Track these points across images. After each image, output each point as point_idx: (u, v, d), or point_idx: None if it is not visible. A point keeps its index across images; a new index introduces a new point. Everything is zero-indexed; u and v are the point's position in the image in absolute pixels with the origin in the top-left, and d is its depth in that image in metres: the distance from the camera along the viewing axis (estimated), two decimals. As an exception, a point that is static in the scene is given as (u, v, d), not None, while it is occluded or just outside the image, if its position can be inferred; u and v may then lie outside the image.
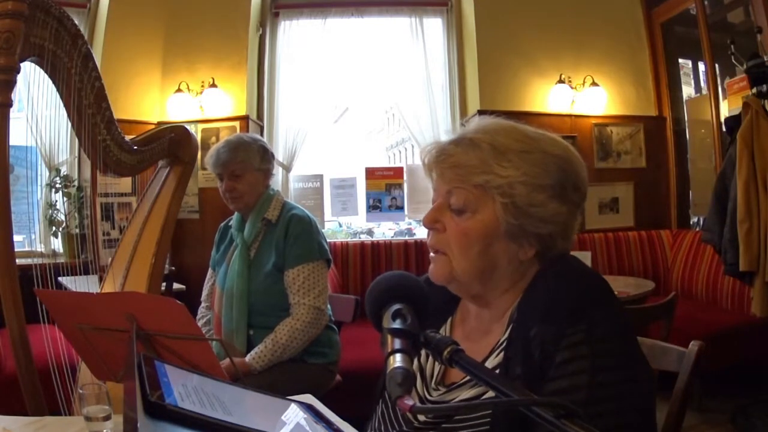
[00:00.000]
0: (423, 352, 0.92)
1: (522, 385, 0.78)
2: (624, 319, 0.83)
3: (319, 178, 4.40)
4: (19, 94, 2.20)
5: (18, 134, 1.91)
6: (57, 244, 3.79)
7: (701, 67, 4.15)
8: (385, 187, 4.33)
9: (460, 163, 0.88)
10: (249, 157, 2.05)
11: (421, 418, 0.91)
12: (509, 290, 0.91)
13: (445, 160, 0.90)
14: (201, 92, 4.07)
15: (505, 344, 0.86)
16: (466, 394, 0.87)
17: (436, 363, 0.96)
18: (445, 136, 0.95)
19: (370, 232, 4.77)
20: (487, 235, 0.87)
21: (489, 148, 0.87)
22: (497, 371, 0.84)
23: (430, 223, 0.91)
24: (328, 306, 2.10)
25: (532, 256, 0.89)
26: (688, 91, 4.40)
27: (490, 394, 0.82)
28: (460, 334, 0.98)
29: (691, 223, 4.29)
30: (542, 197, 0.86)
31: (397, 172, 4.43)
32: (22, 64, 1.57)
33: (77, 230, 3.75)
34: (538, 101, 4.26)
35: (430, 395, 0.93)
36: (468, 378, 0.87)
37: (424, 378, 0.96)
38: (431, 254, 0.93)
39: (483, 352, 0.89)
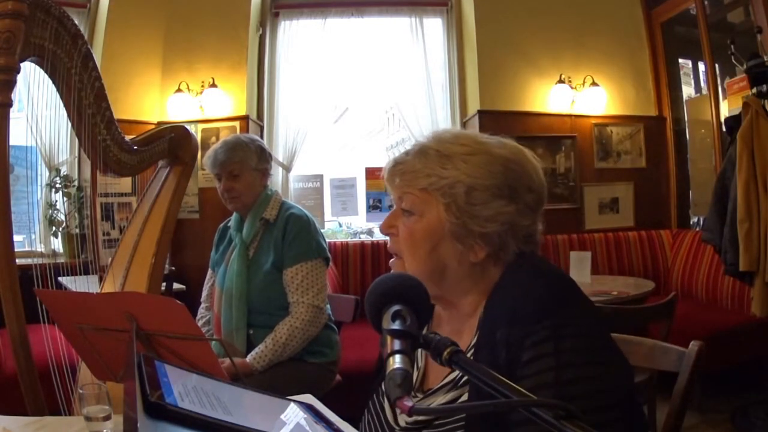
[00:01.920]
0: None
1: None
2: (592, 317, 0.83)
3: (319, 178, 4.40)
4: (19, 94, 2.20)
5: (18, 134, 1.91)
6: (57, 244, 3.79)
7: (701, 67, 4.15)
8: (385, 187, 4.31)
9: (407, 169, 0.93)
10: (246, 157, 2.05)
11: (402, 423, 0.92)
12: (471, 292, 0.92)
13: (396, 167, 0.95)
14: (201, 92, 4.07)
15: (473, 350, 0.86)
16: (442, 398, 0.88)
17: (415, 369, 0.96)
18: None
19: (370, 232, 4.77)
20: (433, 236, 0.90)
21: (435, 154, 0.91)
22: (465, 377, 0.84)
23: (386, 228, 0.97)
24: (328, 305, 2.10)
25: (483, 258, 0.90)
26: (688, 91, 4.40)
27: (464, 398, 0.84)
28: None
29: (691, 223, 4.29)
30: (483, 196, 0.88)
31: (397, 172, 4.42)
32: (22, 64, 1.57)
33: (77, 230, 3.75)
34: (538, 101, 4.26)
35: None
36: (443, 383, 0.89)
37: None
38: (391, 260, 0.98)
39: None
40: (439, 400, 0.88)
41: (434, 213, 0.90)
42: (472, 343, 0.88)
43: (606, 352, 0.81)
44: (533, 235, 0.92)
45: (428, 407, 0.90)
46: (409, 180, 0.92)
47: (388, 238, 0.98)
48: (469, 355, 0.86)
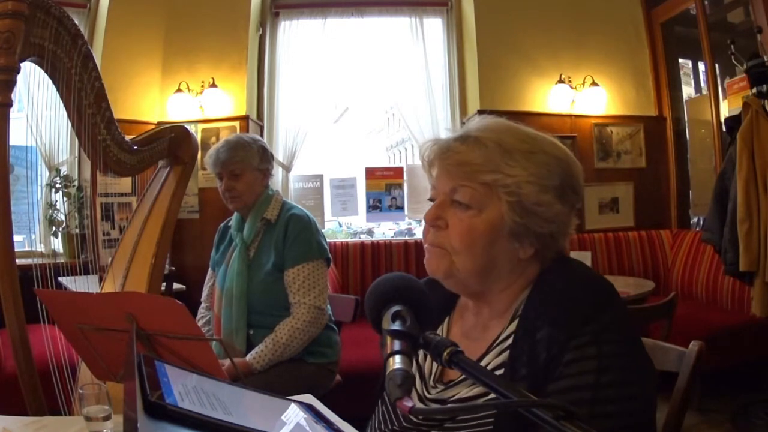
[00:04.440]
0: (421, 351, 0.94)
1: (526, 386, 0.79)
2: (630, 323, 0.85)
3: (319, 178, 4.41)
4: (19, 94, 2.21)
5: (18, 134, 1.92)
6: (57, 244, 3.79)
7: (701, 67, 4.16)
8: (385, 187, 4.33)
9: (467, 160, 0.89)
10: (248, 156, 2.05)
11: (419, 417, 0.91)
12: (508, 288, 0.92)
13: (450, 157, 0.90)
14: (201, 92, 4.07)
15: (510, 344, 0.87)
16: (464, 391, 0.88)
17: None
18: (445, 134, 0.95)
19: (370, 232, 4.78)
20: (492, 233, 0.88)
21: (495, 147, 0.88)
22: (502, 371, 0.85)
23: (433, 219, 0.91)
24: (328, 306, 2.10)
25: (531, 255, 0.90)
26: (688, 91, 4.40)
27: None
28: (458, 332, 0.99)
29: (691, 223, 4.29)
30: (548, 197, 0.88)
31: (397, 172, 4.43)
32: (22, 64, 1.57)
33: (77, 230, 3.75)
34: (538, 101, 4.27)
35: (429, 393, 0.94)
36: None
37: (422, 376, 0.97)
38: (426, 246, 0.93)
39: (481, 348, 0.90)
40: (461, 393, 0.88)
41: (495, 209, 0.88)
42: (504, 336, 0.88)
43: (641, 357, 0.84)
44: (571, 233, 0.94)
45: (429, 408, 0.90)
46: (470, 173, 0.88)
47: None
48: (499, 347, 0.87)
